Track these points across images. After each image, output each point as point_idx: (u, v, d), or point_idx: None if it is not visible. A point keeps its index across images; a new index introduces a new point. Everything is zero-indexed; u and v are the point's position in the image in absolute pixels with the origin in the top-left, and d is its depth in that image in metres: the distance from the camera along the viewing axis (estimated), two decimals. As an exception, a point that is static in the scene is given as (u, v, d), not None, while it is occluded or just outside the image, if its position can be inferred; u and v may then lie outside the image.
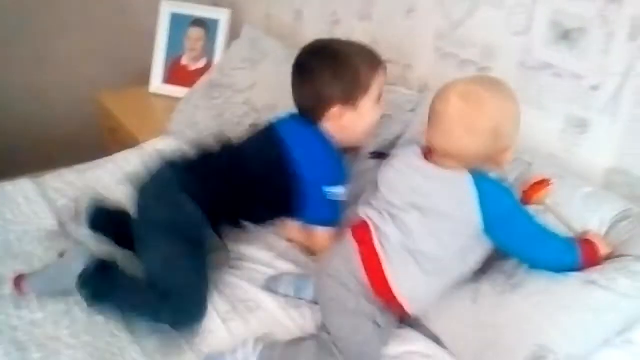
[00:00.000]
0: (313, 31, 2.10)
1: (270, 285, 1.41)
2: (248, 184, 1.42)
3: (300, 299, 1.38)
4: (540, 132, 1.47)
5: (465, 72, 1.61)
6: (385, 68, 1.46)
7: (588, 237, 1.18)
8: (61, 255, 1.38)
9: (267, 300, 1.36)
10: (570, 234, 1.21)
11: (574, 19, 1.36)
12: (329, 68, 1.40)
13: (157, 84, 2.43)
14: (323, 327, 1.26)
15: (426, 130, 1.21)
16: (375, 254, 1.20)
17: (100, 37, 2.57)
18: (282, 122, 1.50)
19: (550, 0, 1.40)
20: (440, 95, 1.17)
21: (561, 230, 1.21)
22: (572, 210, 1.24)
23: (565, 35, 1.38)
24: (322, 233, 1.44)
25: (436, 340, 1.27)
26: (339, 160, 1.44)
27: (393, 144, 1.56)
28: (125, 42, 2.59)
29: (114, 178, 1.77)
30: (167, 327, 1.29)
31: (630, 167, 1.34)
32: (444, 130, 1.16)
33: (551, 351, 1.10)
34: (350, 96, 1.41)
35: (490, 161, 1.19)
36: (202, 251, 1.39)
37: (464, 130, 1.13)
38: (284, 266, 1.46)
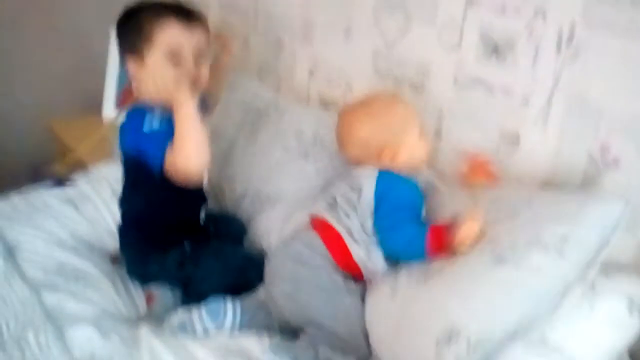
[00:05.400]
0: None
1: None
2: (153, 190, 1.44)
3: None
4: (476, 147, 1.47)
5: (401, 90, 1.63)
6: (185, 22, 1.40)
7: (442, 224, 1.25)
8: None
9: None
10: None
11: (502, 33, 1.38)
12: (120, 23, 1.46)
13: (109, 110, 2.42)
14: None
15: None
16: (334, 232, 1.33)
17: (56, 64, 2.57)
18: None
19: (479, 15, 1.42)
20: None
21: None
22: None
23: (495, 50, 1.40)
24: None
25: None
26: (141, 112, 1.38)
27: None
28: (80, 69, 2.58)
29: (59, 199, 1.75)
30: None
31: (565, 178, 1.34)
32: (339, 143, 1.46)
33: (460, 331, 1.08)
34: (135, 46, 1.40)
35: (372, 159, 1.38)
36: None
37: (341, 143, 1.44)
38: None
